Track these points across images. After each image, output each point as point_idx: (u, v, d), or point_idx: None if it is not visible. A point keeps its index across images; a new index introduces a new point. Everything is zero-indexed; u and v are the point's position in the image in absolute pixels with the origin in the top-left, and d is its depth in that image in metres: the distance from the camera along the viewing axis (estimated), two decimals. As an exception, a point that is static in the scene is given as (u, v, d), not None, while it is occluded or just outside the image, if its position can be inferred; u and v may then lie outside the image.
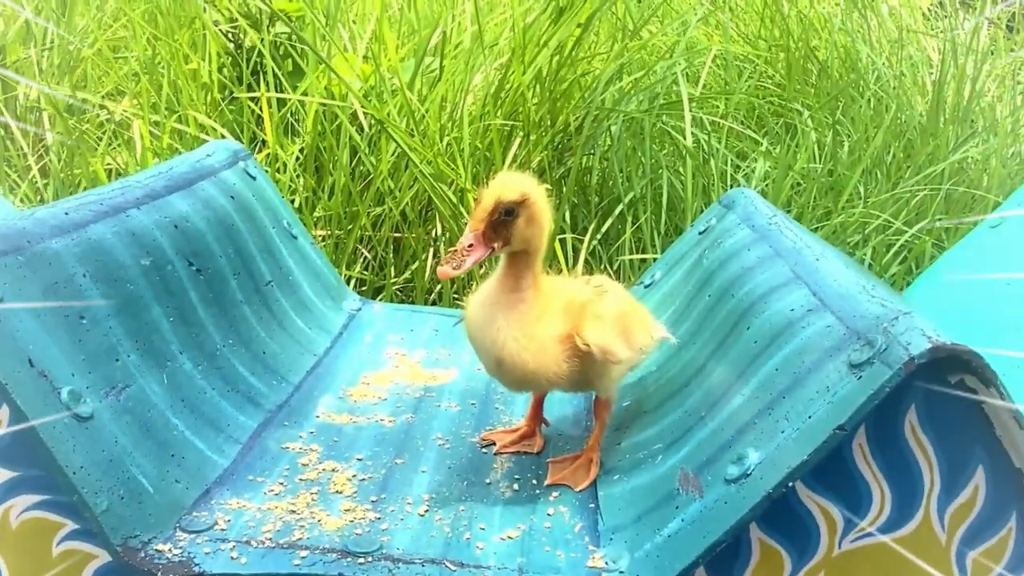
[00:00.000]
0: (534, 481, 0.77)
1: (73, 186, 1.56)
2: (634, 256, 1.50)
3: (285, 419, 0.85)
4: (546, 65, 1.50)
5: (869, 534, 0.60)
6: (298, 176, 1.49)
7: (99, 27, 1.85)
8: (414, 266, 1.48)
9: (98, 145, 1.62)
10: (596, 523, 0.71)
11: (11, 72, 1.68)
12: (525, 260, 0.73)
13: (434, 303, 1.48)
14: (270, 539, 0.65)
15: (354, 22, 1.82)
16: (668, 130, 1.66)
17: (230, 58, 1.64)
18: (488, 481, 0.77)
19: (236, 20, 1.60)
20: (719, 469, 0.64)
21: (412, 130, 1.45)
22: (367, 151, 1.50)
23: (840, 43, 2.03)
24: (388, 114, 1.45)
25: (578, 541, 0.68)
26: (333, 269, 1.15)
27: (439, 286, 1.47)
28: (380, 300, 1.39)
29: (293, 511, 0.69)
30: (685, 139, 1.57)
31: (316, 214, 1.49)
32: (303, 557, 0.63)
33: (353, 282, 1.46)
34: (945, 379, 0.57)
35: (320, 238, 1.46)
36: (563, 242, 1.45)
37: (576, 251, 1.48)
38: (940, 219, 1.55)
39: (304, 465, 0.77)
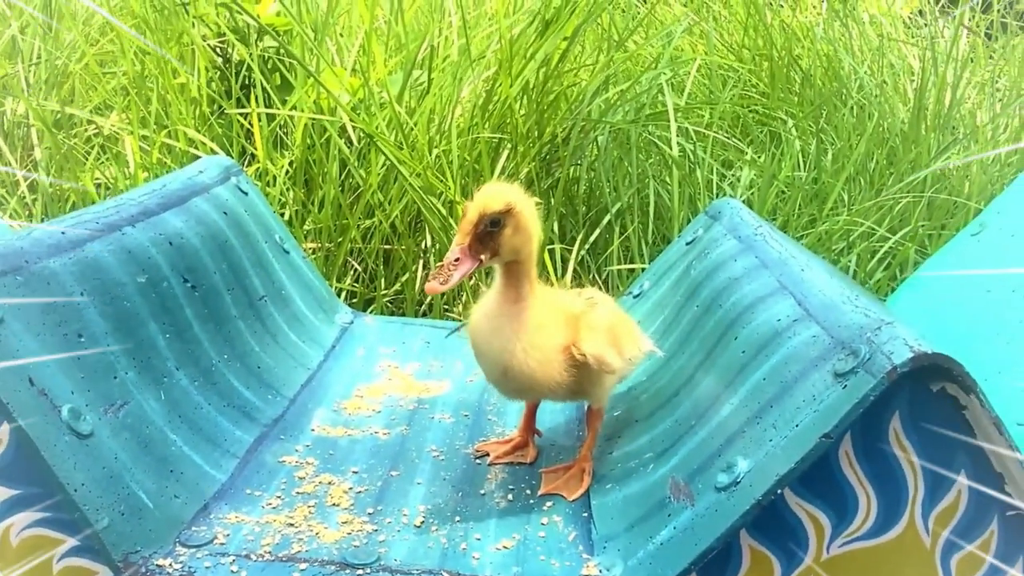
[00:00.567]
0: (528, 491, 0.79)
1: (62, 201, 1.57)
2: (622, 266, 1.52)
3: (281, 433, 0.86)
4: (533, 77, 1.52)
5: (856, 539, 0.62)
6: (288, 190, 1.50)
7: (86, 41, 1.86)
8: (404, 278, 1.49)
9: (86, 160, 1.62)
10: (589, 532, 0.72)
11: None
12: (520, 269, 0.75)
13: (424, 315, 1.49)
14: (269, 552, 0.66)
15: (341, 35, 1.83)
16: (654, 140, 1.68)
17: (218, 72, 1.65)
18: (483, 492, 0.78)
19: (224, 35, 1.61)
20: (709, 477, 0.65)
21: (401, 143, 1.46)
22: (356, 164, 1.51)
23: (822, 52, 2.06)
24: (377, 127, 1.46)
25: (572, 550, 0.70)
26: (325, 283, 1.16)
27: (429, 298, 1.49)
28: (371, 312, 1.40)
29: (291, 524, 0.70)
30: (671, 149, 1.59)
31: (306, 227, 1.50)
32: (302, 570, 0.64)
33: (343, 295, 1.47)
34: (927, 387, 0.59)
35: (310, 251, 1.47)
36: (552, 252, 1.47)
37: (565, 261, 1.50)
38: (923, 226, 1.57)
39: (301, 478, 0.78)
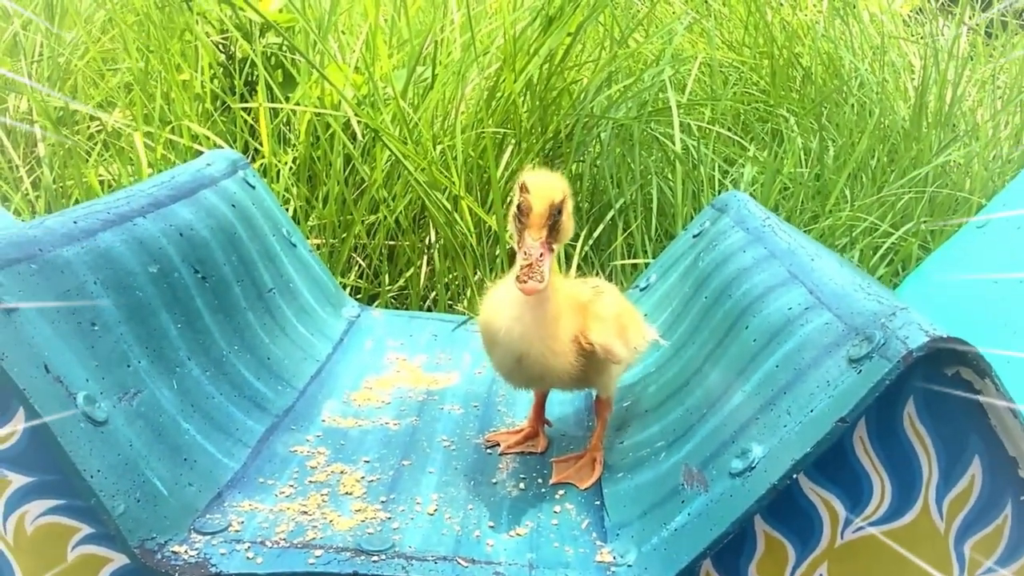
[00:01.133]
0: (539, 480, 0.79)
1: (66, 197, 1.57)
2: (626, 261, 1.52)
3: (292, 423, 0.86)
4: (536, 73, 1.52)
5: (870, 524, 0.62)
6: (292, 185, 1.50)
7: (89, 38, 1.86)
8: (408, 274, 1.49)
9: (89, 156, 1.62)
10: (602, 519, 0.72)
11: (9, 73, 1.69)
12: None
13: (429, 310, 1.49)
14: (284, 539, 0.67)
15: (343, 32, 1.83)
16: (657, 136, 1.68)
17: (222, 69, 1.65)
18: (495, 481, 0.78)
19: (227, 31, 1.61)
20: (723, 464, 0.65)
21: (405, 138, 1.46)
22: (361, 160, 1.52)
23: (823, 50, 2.06)
24: (381, 122, 1.47)
25: (586, 537, 0.70)
26: (332, 277, 1.16)
27: (433, 293, 1.49)
28: (376, 308, 1.40)
29: (305, 512, 0.71)
30: (674, 145, 1.60)
31: (310, 223, 1.50)
32: (318, 556, 0.64)
33: (348, 290, 1.47)
34: (942, 372, 0.59)
35: (315, 247, 1.47)
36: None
37: (568, 257, 1.50)
38: (925, 221, 1.58)
39: (313, 468, 0.78)
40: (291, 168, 1.52)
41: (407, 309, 1.48)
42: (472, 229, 1.41)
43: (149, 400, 0.72)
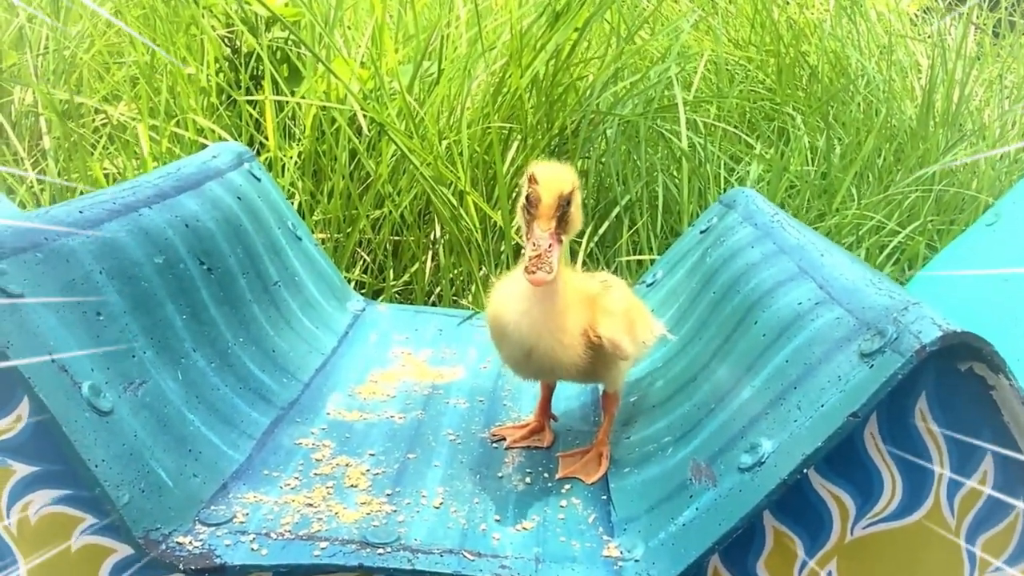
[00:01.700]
0: (545, 475, 0.78)
1: (70, 191, 1.56)
2: (631, 257, 1.51)
3: (297, 416, 0.85)
4: (543, 69, 1.51)
5: (881, 520, 0.62)
6: (297, 179, 1.50)
7: (95, 31, 1.86)
8: (413, 269, 1.48)
9: (94, 150, 1.62)
10: (609, 514, 0.72)
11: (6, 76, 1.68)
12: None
13: (433, 305, 1.48)
14: (289, 531, 0.66)
15: (349, 27, 1.83)
16: (663, 133, 1.68)
17: (227, 63, 1.65)
18: (500, 475, 0.78)
19: (233, 25, 1.61)
20: (732, 458, 0.65)
21: (411, 133, 1.45)
22: (366, 154, 1.51)
23: (830, 48, 2.06)
24: (387, 117, 1.46)
25: (592, 531, 0.69)
26: (337, 270, 1.16)
27: (438, 288, 1.48)
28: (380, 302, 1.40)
29: (310, 504, 0.70)
30: (680, 142, 1.59)
31: (315, 217, 1.50)
32: (323, 548, 0.64)
33: (352, 285, 1.46)
34: (955, 367, 0.58)
35: (320, 241, 1.47)
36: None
37: (574, 253, 1.49)
38: (932, 220, 1.57)
39: (318, 460, 0.78)
40: (296, 162, 1.51)
41: (412, 304, 1.47)
42: (477, 225, 1.40)
43: (154, 391, 0.71)
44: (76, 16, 1.88)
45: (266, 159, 1.49)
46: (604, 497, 0.74)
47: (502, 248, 1.42)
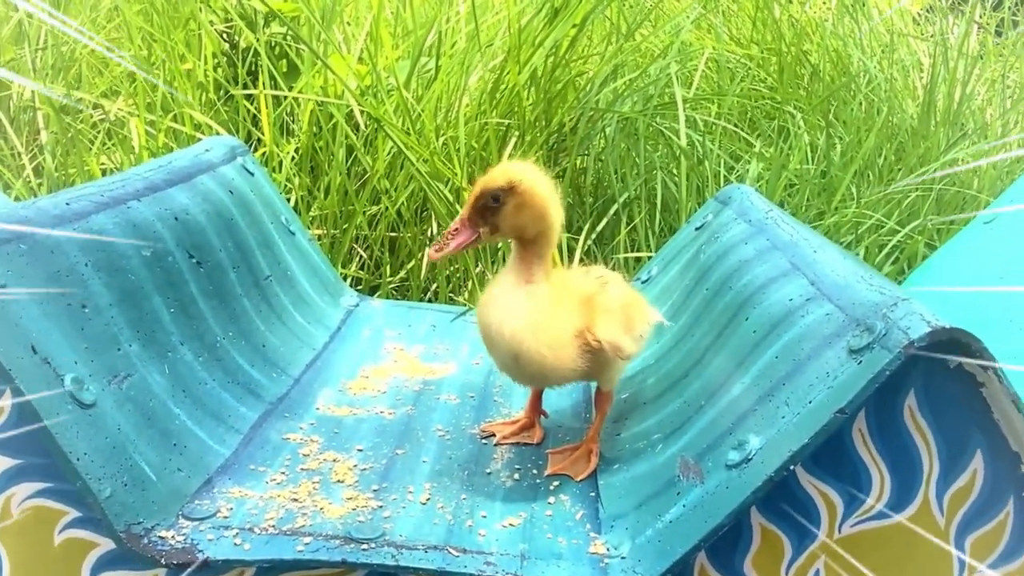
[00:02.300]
0: (534, 471, 0.78)
1: (68, 185, 1.56)
2: (629, 255, 1.51)
3: (285, 411, 0.85)
4: (541, 65, 1.51)
5: (869, 518, 0.61)
6: (294, 175, 1.49)
7: (93, 26, 1.85)
8: (410, 265, 1.48)
9: (92, 144, 1.62)
10: (597, 511, 0.71)
11: (5, 71, 1.68)
12: (533, 251, 0.74)
13: (430, 302, 1.48)
14: (273, 526, 0.66)
15: (348, 23, 1.82)
16: (662, 130, 1.67)
17: (225, 58, 1.64)
18: (489, 471, 0.77)
19: (231, 20, 1.61)
20: (720, 455, 0.64)
21: (408, 129, 1.45)
22: (363, 150, 1.51)
23: (832, 47, 2.05)
24: (384, 113, 1.46)
25: (579, 528, 0.69)
26: (330, 265, 1.16)
27: (435, 285, 1.48)
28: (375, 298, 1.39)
29: (295, 499, 0.70)
30: (679, 140, 1.58)
31: (312, 213, 1.50)
32: (306, 543, 0.63)
33: (349, 281, 1.46)
34: (944, 363, 0.58)
35: (316, 237, 1.46)
36: (558, 241, 1.46)
37: (571, 250, 1.49)
38: (931, 219, 1.56)
39: (305, 455, 0.77)
40: (293, 158, 1.51)
41: (407, 300, 1.47)
42: (474, 221, 1.39)
43: (139, 384, 0.71)
44: (76, 11, 1.87)
45: (263, 155, 1.49)
46: (592, 494, 0.74)
47: (499, 245, 1.41)
